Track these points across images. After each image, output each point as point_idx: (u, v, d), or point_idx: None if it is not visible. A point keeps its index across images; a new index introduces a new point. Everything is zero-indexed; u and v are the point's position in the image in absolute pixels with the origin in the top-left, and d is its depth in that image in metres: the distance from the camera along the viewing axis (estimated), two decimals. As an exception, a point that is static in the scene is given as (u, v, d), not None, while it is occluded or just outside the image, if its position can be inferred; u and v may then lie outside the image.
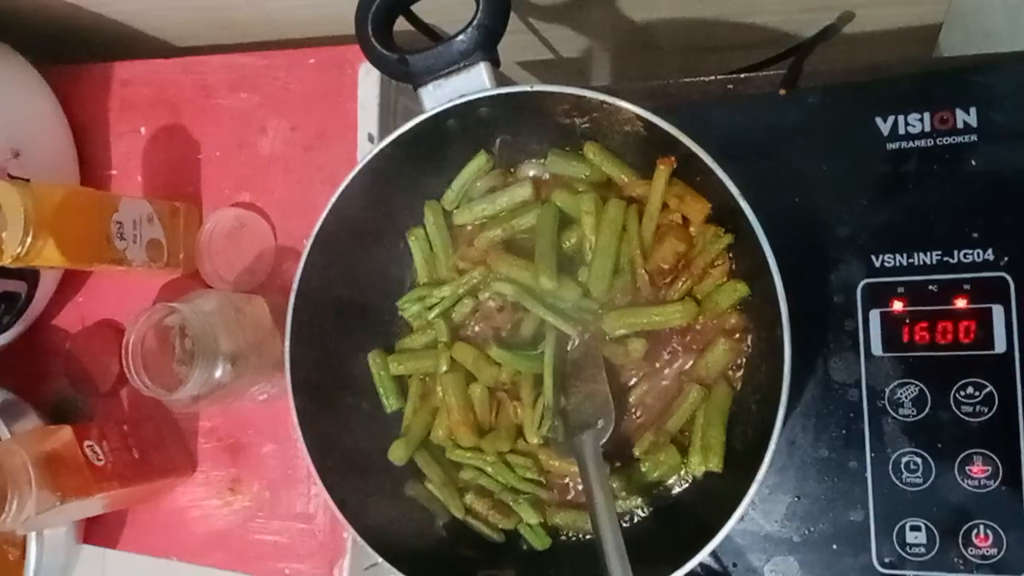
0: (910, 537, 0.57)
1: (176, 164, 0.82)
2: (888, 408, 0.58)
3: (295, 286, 0.61)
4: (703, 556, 0.52)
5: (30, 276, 0.77)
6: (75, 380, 0.81)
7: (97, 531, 0.81)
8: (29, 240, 0.64)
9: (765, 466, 0.51)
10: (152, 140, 0.83)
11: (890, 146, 0.60)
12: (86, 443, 0.70)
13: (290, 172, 0.78)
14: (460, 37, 0.57)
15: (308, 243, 0.61)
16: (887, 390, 0.58)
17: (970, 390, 0.57)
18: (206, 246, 0.77)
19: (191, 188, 0.81)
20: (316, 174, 0.77)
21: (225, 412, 0.78)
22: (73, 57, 0.87)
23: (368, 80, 0.76)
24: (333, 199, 0.60)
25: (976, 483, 0.56)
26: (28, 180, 0.72)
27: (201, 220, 0.80)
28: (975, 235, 0.58)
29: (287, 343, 0.61)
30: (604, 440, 0.58)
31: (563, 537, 0.63)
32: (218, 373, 0.67)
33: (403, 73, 0.59)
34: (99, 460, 0.70)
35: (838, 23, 0.77)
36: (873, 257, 0.59)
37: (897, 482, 0.58)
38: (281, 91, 0.79)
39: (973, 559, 0.56)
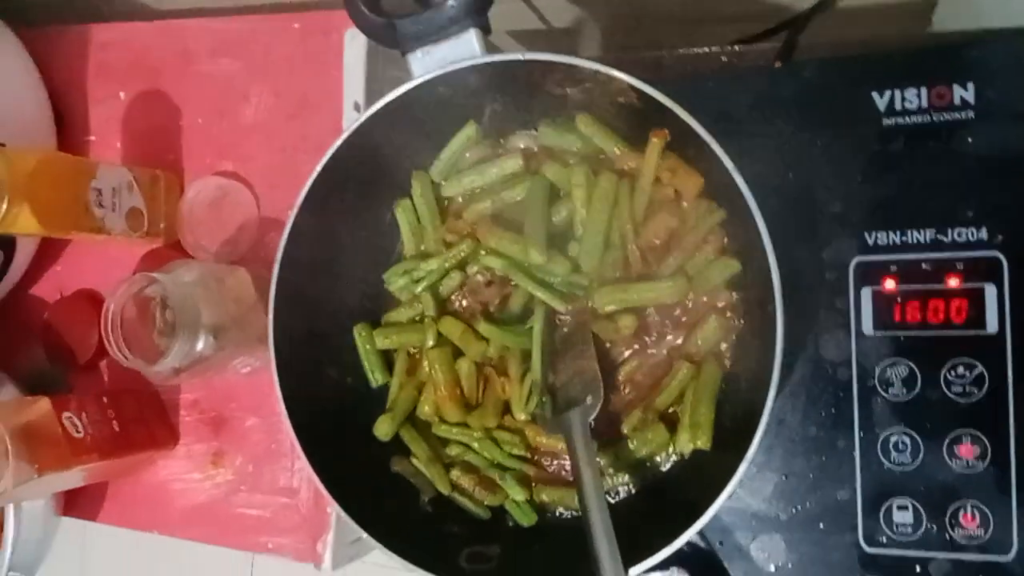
0: (897, 517, 0.57)
1: (156, 131, 0.80)
2: (878, 387, 0.58)
3: (279, 257, 0.59)
4: (691, 535, 0.51)
5: (6, 244, 0.76)
6: (53, 351, 0.80)
7: (77, 504, 0.80)
8: (4, 207, 0.63)
9: (755, 445, 0.50)
10: (131, 106, 0.81)
11: (886, 122, 0.59)
12: (65, 415, 0.69)
13: (273, 140, 0.77)
14: (450, 2, 0.55)
15: (292, 214, 0.59)
16: (877, 369, 0.58)
17: (961, 370, 0.56)
18: (187, 215, 0.76)
19: (172, 156, 0.79)
20: (300, 143, 0.76)
21: (208, 385, 0.77)
22: (50, 19, 0.84)
23: (354, 46, 0.74)
24: (318, 169, 0.59)
25: (964, 463, 0.56)
26: (3, 145, 0.70)
27: (182, 189, 0.79)
28: (969, 213, 0.57)
29: (271, 316, 0.60)
30: (592, 417, 0.57)
31: (550, 514, 0.62)
32: (200, 345, 0.66)
33: (391, 39, 0.57)
34: (78, 432, 0.69)
35: (834, -5, 0.75)
36: (866, 234, 0.59)
37: (885, 461, 0.58)
38: (264, 57, 0.77)
39: (960, 539, 0.56)
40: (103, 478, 0.78)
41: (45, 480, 0.66)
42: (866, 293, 0.59)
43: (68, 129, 0.82)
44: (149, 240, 0.76)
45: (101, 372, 0.81)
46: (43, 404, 0.68)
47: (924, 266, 0.57)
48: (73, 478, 0.71)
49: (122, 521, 0.80)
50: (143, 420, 0.76)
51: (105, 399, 0.74)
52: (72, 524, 0.80)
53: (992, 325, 0.56)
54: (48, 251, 0.82)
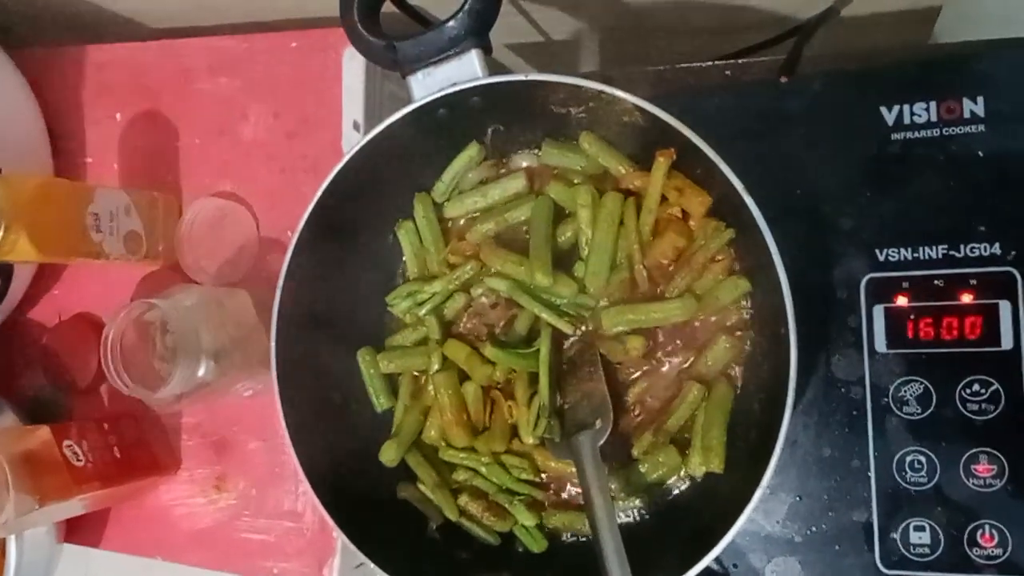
0: (914, 537, 0.56)
1: (154, 152, 0.79)
2: (892, 406, 0.57)
3: (281, 281, 0.59)
4: (707, 562, 0.50)
5: (3, 270, 0.75)
6: (53, 376, 0.79)
7: (79, 530, 0.79)
8: (1, 234, 0.62)
9: (771, 468, 0.49)
10: (129, 127, 0.80)
11: (895, 136, 0.58)
12: (65, 443, 0.68)
13: (273, 160, 0.76)
14: (451, 23, 0.54)
15: (294, 237, 0.58)
16: (891, 387, 0.57)
17: (976, 387, 0.56)
18: (186, 238, 0.75)
19: (170, 177, 0.78)
20: (300, 162, 0.75)
21: (209, 408, 0.76)
22: (45, 40, 0.83)
23: (353, 65, 0.73)
24: (319, 193, 0.58)
25: (982, 482, 0.55)
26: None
27: (181, 211, 0.78)
28: (982, 228, 0.56)
29: (273, 340, 0.59)
30: (602, 440, 0.57)
31: (560, 539, 0.61)
32: (201, 371, 0.65)
33: (391, 61, 0.56)
34: (79, 460, 0.68)
35: (837, 5, 0.74)
36: (877, 251, 0.58)
37: (901, 481, 0.57)
38: (263, 76, 0.77)
39: (978, 559, 0.55)
40: (105, 505, 0.77)
41: (46, 510, 0.65)
42: (878, 311, 0.58)
43: (64, 151, 0.81)
44: (148, 263, 0.75)
45: (101, 396, 0.80)
46: (43, 433, 0.67)
47: (937, 282, 0.57)
48: (75, 507, 0.70)
49: (125, 547, 0.79)
50: (144, 445, 0.76)
51: (106, 425, 0.73)
52: (75, 550, 0.79)
53: (1007, 341, 0.55)
54: (46, 275, 0.81)
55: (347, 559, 0.72)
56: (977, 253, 0.56)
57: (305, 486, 0.58)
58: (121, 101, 0.81)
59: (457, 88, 0.55)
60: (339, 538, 0.71)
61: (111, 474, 0.71)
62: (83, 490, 0.67)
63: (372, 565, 0.57)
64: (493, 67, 0.55)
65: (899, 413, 0.57)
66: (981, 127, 0.57)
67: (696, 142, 0.51)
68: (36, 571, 0.75)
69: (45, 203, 0.65)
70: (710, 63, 0.65)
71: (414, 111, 0.56)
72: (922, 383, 0.57)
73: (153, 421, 0.78)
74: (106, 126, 0.81)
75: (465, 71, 0.55)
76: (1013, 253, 0.55)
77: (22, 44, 0.79)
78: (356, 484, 0.62)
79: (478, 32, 0.55)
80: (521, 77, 0.54)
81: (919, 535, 0.56)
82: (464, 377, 0.62)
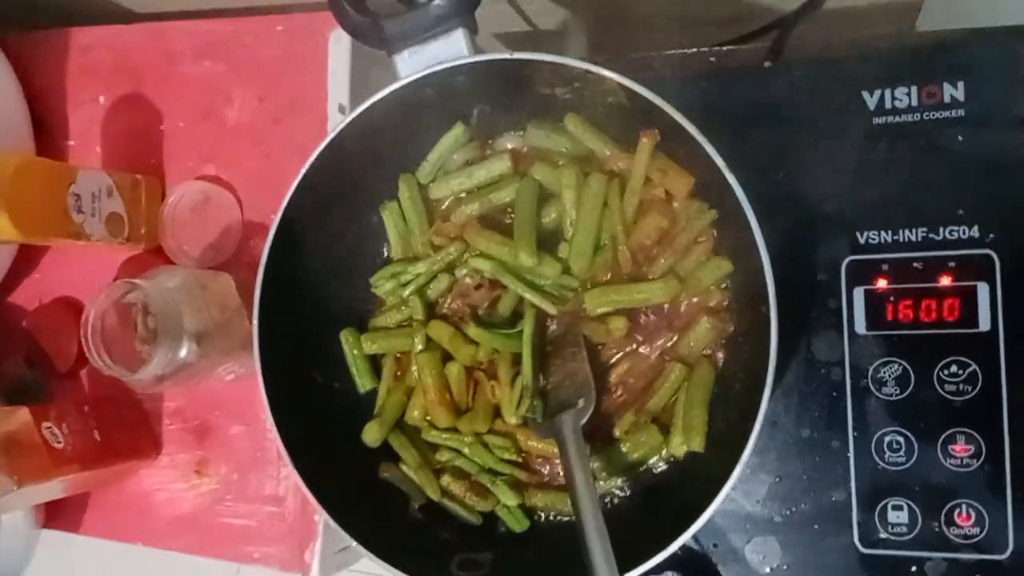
0: (892, 517, 0.57)
1: (137, 134, 0.79)
2: (871, 387, 0.58)
3: (263, 262, 0.58)
4: (686, 539, 0.51)
5: (-17, 251, 0.74)
6: (33, 359, 0.79)
7: (58, 515, 0.78)
8: (-20, 213, 0.61)
9: (750, 447, 0.49)
10: (112, 109, 0.80)
11: (876, 120, 0.59)
12: (44, 425, 0.67)
13: (257, 144, 0.76)
14: (437, 1, 0.54)
15: (276, 218, 0.58)
16: (870, 369, 0.58)
17: (954, 369, 0.56)
18: (169, 221, 0.75)
19: (153, 160, 0.78)
20: (285, 145, 0.75)
21: (191, 392, 0.76)
22: (29, 22, 0.83)
23: (339, 48, 0.73)
24: (302, 172, 0.58)
25: (959, 462, 0.56)
26: (-20, 150, 0.69)
27: (164, 194, 0.77)
28: (961, 212, 0.57)
29: (256, 321, 0.58)
30: (584, 420, 0.57)
31: (542, 519, 0.62)
32: (183, 352, 0.64)
33: (377, 39, 0.56)
34: (58, 443, 0.67)
35: (820, -5, 0.75)
36: (858, 234, 0.59)
37: (880, 462, 0.57)
38: (248, 59, 0.76)
39: (955, 538, 0.56)
40: (85, 489, 0.76)
41: (25, 492, 0.64)
42: (858, 293, 0.58)
43: (47, 133, 0.80)
44: (130, 246, 0.75)
45: (82, 380, 0.79)
46: (22, 414, 0.66)
47: (916, 265, 0.57)
48: (53, 489, 0.69)
49: (105, 532, 0.79)
50: (125, 429, 0.75)
51: (86, 408, 0.72)
52: (55, 535, 0.79)
53: (985, 323, 0.56)
54: (27, 258, 0.80)
55: (328, 543, 0.72)
56: (956, 236, 0.57)
57: (287, 470, 0.58)
58: (105, 84, 0.80)
59: (443, 67, 0.55)
60: (321, 521, 0.71)
61: (91, 457, 0.70)
62: (62, 472, 0.67)
63: (355, 546, 0.56)
64: (482, 53, 0.55)
65: (878, 394, 0.58)
66: (961, 111, 0.57)
67: (680, 121, 0.51)
68: (15, 556, 0.75)
69: (25, 182, 0.65)
70: (695, 50, 0.65)
71: (399, 89, 0.56)
72: (901, 364, 0.57)
73: (134, 406, 0.77)
74: (89, 108, 0.81)
75: (451, 50, 0.55)
76: (991, 236, 0.56)
77: (6, 27, 0.78)
78: (339, 465, 0.62)
79: (464, 11, 0.55)
80: (507, 56, 0.54)
81: (897, 515, 0.57)
82: (447, 358, 0.62)
